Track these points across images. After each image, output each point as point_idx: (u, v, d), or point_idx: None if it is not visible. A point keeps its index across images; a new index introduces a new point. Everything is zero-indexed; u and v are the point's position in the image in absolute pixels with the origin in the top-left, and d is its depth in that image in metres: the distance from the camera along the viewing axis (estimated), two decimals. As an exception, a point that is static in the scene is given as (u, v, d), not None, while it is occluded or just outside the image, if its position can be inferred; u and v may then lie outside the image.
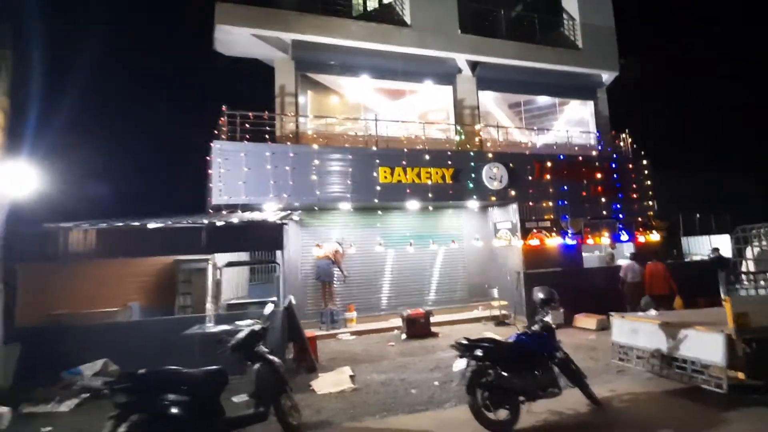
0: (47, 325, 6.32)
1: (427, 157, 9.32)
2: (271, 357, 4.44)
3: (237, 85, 10.85)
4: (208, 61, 10.89)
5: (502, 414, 4.24)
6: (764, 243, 6.72)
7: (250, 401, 4.22)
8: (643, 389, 5.19)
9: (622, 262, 10.66)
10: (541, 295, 5.31)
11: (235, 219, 7.03)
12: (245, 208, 8.40)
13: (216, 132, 8.40)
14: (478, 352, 4.37)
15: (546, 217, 10.25)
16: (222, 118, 8.39)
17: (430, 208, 10.19)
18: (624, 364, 6.02)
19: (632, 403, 4.83)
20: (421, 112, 11.90)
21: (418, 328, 8.73)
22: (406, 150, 9.26)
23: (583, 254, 10.78)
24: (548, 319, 5.07)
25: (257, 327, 4.53)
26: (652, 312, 6.58)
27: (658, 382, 5.32)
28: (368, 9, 10.76)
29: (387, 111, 11.41)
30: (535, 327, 5.02)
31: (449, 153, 9.60)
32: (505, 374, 4.27)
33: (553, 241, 10.16)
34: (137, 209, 8.39)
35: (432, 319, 9.04)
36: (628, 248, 11.30)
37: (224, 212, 7.96)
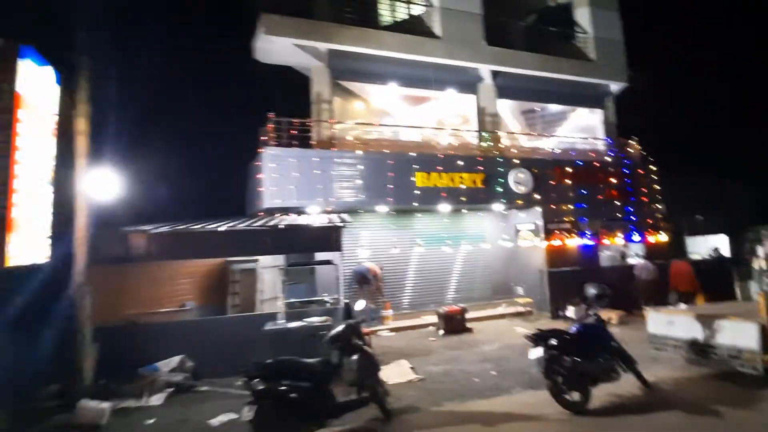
0: (122, 325, 6.59)
1: (460, 162, 9.87)
2: (367, 348, 4.89)
3: (270, 92, 11.10)
4: (242, 70, 11.11)
5: (576, 396, 4.81)
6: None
7: (351, 389, 4.67)
8: (683, 374, 5.83)
9: (633, 261, 11.44)
10: (593, 291, 5.93)
11: (292, 222, 7.41)
12: (290, 210, 8.77)
13: (263, 138, 8.75)
14: (553, 342, 4.93)
15: (566, 219, 10.93)
16: (269, 125, 8.75)
17: (464, 210, 10.75)
18: (659, 353, 6.66)
19: (677, 385, 5.45)
20: (440, 118, 12.45)
21: (455, 324, 9.26)
22: (440, 156, 9.78)
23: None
24: (598, 313, 5.67)
25: (353, 321, 4.98)
26: (682, 306, 7.25)
27: (694, 369, 5.97)
28: (398, 20, 11.23)
29: (408, 117, 11.89)
30: (590, 320, 5.61)
31: (480, 159, 10.17)
32: (579, 360, 4.83)
33: (573, 242, 10.86)
34: (187, 212, 8.68)
35: (463, 316, 9.58)
36: (637, 248, 12.08)
37: (278, 215, 8.32)
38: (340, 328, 4.91)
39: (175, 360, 6.38)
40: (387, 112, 12.18)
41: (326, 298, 7.38)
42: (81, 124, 5.84)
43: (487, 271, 11.67)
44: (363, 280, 9.60)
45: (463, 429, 4.50)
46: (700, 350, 6.04)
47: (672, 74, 15.92)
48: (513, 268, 11.67)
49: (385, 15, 11.31)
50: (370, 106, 12.05)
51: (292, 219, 8.01)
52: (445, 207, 10.03)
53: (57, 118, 5.70)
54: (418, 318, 10.30)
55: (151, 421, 5.02)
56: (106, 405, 5.10)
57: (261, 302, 8.98)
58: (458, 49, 10.98)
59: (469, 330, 9.39)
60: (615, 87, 13.44)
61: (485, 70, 11.60)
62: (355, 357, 4.75)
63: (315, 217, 8.42)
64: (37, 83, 5.26)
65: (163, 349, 6.42)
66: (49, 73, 5.63)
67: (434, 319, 9.69)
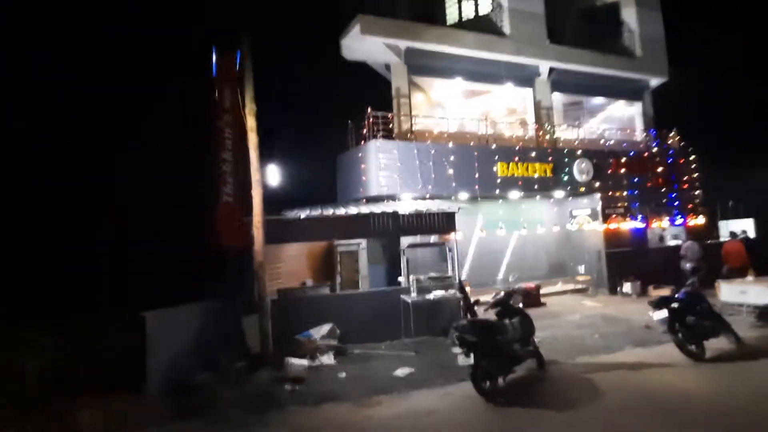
0: (277, 298, 7.48)
1: (533, 154, 10.83)
2: (525, 310, 5.90)
3: (350, 88, 11.85)
4: (327, 67, 11.78)
5: (694, 348, 5.90)
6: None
7: (517, 344, 5.68)
8: (760, 333, 6.98)
9: (674, 242, 12.65)
10: (689, 267, 7.01)
11: (413, 208, 8.29)
12: (388, 198, 9.65)
13: (363, 131, 9.57)
14: (674, 305, 6.01)
15: (620, 204, 12.02)
16: (370, 119, 9.56)
17: (538, 197, 11.75)
18: (733, 318, 7.78)
19: (761, 340, 6.60)
20: (494, 110, 13.32)
21: (532, 299, 10.34)
22: (517, 147, 10.73)
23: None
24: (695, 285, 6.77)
25: (510, 291, 5.98)
26: (750, 278, 8.39)
27: (765, 329, 7.13)
28: (466, 19, 11.99)
29: (462, 109, 12.68)
30: (688, 289, 6.70)
31: (549, 150, 11.14)
32: (696, 319, 5.92)
33: (626, 225, 11.97)
34: (292, 200, 9.50)
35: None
36: (677, 230, 13.27)
37: (386, 201, 9.21)
38: (501, 295, 5.91)
39: (325, 328, 7.31)
40: (442, 104, 13.01)
41: (448, 275, 8.33)
42: (251, 121, 6.60)
43: (544, 252, 12.76)
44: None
45: (613, 374, 5.56)
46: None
47: (705, 70, 16.94)
48: (567, 249, 12.78)
49: (454, 14, 12.06)
50: (430, 99, 12.89)
51: (408, 205, 8.85)
52: (520, 194, 11.01)
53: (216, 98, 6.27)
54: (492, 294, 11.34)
55: (343, 374, 5.98)
56: (306, 362, 6.04)
57: (360, 279, 9.95)
58: (524, 47, 11.81)
59: (543, 304, 10.49)
60: (654, 81, 14.44)
61: (544, 65, 12.47)
62: (516, 318, 5.77)
63: (417, 203, 9.31)
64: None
65: (312, 319, 7.34)
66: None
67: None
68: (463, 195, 10.51)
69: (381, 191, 9.12)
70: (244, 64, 6.24)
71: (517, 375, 5.50)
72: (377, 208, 8.19)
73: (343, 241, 9.44)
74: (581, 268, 11.94)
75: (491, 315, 5.91)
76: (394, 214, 7.88)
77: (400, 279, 8.34)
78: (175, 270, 6.67)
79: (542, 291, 11.84)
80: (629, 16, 13.87)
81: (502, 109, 14.03)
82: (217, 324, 6.62)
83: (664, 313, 6.02)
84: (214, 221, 5.15)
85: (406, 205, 8.89)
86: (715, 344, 6.26)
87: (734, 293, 7.82)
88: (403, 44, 10.91)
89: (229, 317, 6.86)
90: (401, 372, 5.96)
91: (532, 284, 10.55)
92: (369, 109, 9.69)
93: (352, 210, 7.52)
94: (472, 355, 4.88)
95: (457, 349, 5.19)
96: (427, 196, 9.60)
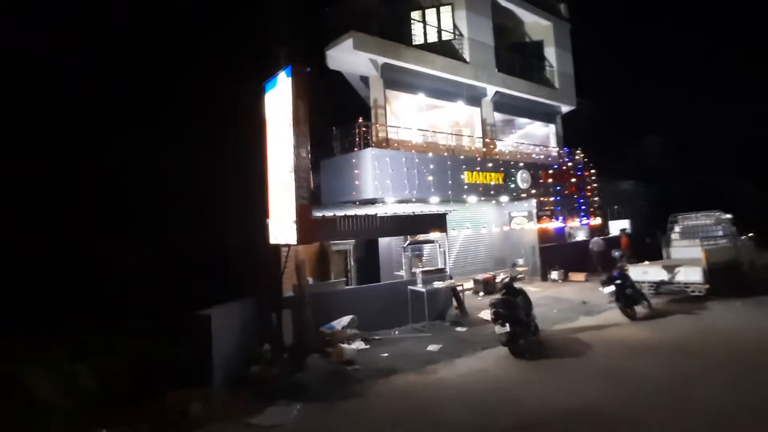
0: (301, 294, 7.92)
1: (490, 164, 12.82)
2: (524, 290, 7.50)
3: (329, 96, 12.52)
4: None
5: (630, 311, 8.21)
6: (685, 224, 12.17)
7: (525, 315, 7.23)
8: (661, 300, 9.75)
9: (581, 238, 16.00)
10: (617, 254, 9.48)
11: (407, 210, 9.43)
12: (377, 201, 10.62)
13: (353, 139, 10.42)
14: (618, 282, 8.26)
15: (548, 208, 14.80)
16: (361, 129, 10.44)
17: (494, 201, 13.75)
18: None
19: (664, 305, 9.30)
20: (442, 124, 15.18)
21: (490, 286, 12.26)
22: (478, 158, 12.59)
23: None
24: (629, 269, 9.24)
25: (511, 275, 7.55)
26: (646, 262, 11.35)
27: (665, 297, 9.96)
28: (430, 43, 13.53)
29: (417, 121, 14.26)
30: (619, 271, 9.13)
31: (501, 161, 13.27)
32: (632, 290, 8.24)
33: (552, 225, 14.81)
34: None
35: (493, 281, 12.66)
36: (582, 229, 16.74)
37: (379, 204, 10.15)
38: (507, 279, 7.45)
39: (345, 319, 8.04)
40: (399, 116, 14.42)
41: (441, 267, 9.61)
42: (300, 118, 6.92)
43: (490, 248, 14.97)
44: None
45: (586, 333, 7.48)
46: (665, 286, 10.07)
47: (601, 100, 21.38)
48: (507, 245, 15.20)
49: (419, 37, 13.51)
50: (392, 111, 14.18)
51: (398, 207, 9.92)
52: (480, 198, 12.90)
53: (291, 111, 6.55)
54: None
55: (385, 355, 6.87)
56: (354, 346, 6.76)
57: (349, 276, 10.74)
58: (480, 73, 13.82)
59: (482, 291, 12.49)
60: (565, 108, 17.88)
61: (491, 89, 14.68)
62: (519, 297, 7.36)
63: (403, 206, 10.45)
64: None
65: (332, 311, 8.00)
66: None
67: (470, 284, 12.57)
68: (435, 198, 11.99)
69: (377, 194, 10.07)
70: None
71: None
72: (377, 210, 9.14)
73: (338, 241, 10.12)
74: (520, 260, 14.36)
75: (478, 297, 7.39)
76: (397, 216, 8.94)
77: (401, 273, 9.43)
78: (213, 270, 6.76)
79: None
80: (550, 54, 16.99)
81: (449, 123, 15.96)
82: (253, 320, 6.93)
83: (612, 288, 8.24)
84: (297, 222, 5.56)
85: (395, 207, 9.98)
86: (637, 309, 8.73)
87: (638, 273, 10.59)
88: (381, 60, 11.97)
89: (262, 313, 7.19)
90: (433, 348, 7.09)
91: (489, 275, 12.50)
92: (360, 119, 10.55)
93: (371, 211, 8.36)
94: (507, 325, 6.28)
95: (496, 326, 6.51)
96: (413, 199, 10.83)
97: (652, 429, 4.06)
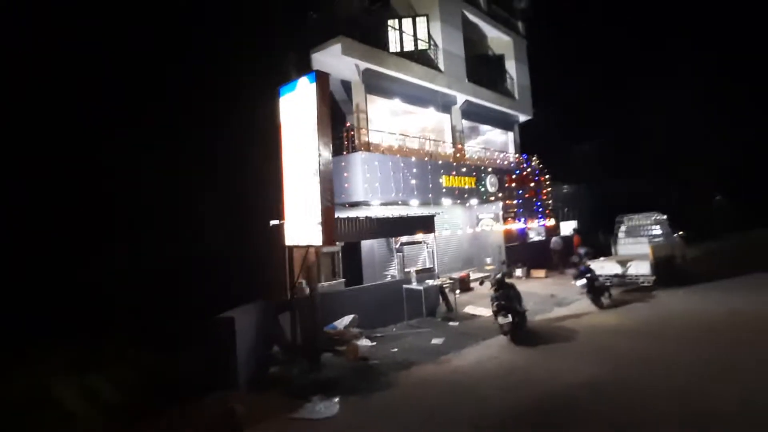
0: (313, 295, 8.00)
1: (464, 169, 13.65)
2: (514, 285, 8.24)
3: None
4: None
5: (599, 301, 9.32)
6: (629, 224, 13.87)
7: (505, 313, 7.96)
8: (617, 291, 11.09)
9: (539, 237, 17.48)
10: (583, 251, 10.65)
11: (396, 213, 9.88)
12: (360, 204, 10.92)
13: (345, 143, 10.66)
14: (588, 275, 9.34)
15: (511, 210, 16.02)
16: (350, 132, 10.70)
17: (468, 204, 14.55)
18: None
19: (620, 295, 10.62)
20: (412, 129, 15.87)
21: (464, 284, 13.07)
22: (454, 163, 13.35)
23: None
24: (592, 264, 10.43)
25: (502, 272, 8.27)
26: (602, 258, 12.79)
27: (620, 288, 11.33)
28: (407, 51, 14.09)
29: (391, 126, 14.84)
30: (584, 267, 10.29)
31: (473, 166, 14.17)
32: (600, 283, 9.36)
33: (515, 226, 16.04)
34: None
35: (467, 278, 13.50)
36: (539, 229, 18.27)
37: (363, 207, 10.45)
38: (499, 275, 8.15)
39: (347, 319, 8.27)
40: (372, 120, 14.87)
41: (430, 266, 10.14)
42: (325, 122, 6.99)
43: (460, 248, 15.85)
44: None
45: (568, 321, 8.40)
46: (619, 278, 11.47)
47: (554, 110, 23.45)
48: (475, 245, 16.19)
49: (396, 44, 14.03)
50: (368, 115, 14.57)
51: (390, 210, 10.33)
52: (456, 201, 13.66)
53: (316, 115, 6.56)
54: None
55: (395, 349, 7.22)
56: (368, 342, 7.02)
57: (337, 277, 10.93)
58: (453, 82, 14.64)
59: (471, 289, 13.35)
60: (523, 117, 19.39)
61: (462, 98, 15.59)
62: (510, 291, 8.09)
63: (387, 209, 10.88)
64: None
65: (332, 311, 8.19)
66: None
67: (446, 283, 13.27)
68: (416, 201, 12.56)
69: (366, 197, 10.38)
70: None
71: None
72: (372, 213, 9.49)
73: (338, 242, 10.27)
74: (488, 259, 15.41)
75: (456, 295, 8.06)
76: (393, 218, 9.35)
77: (394, 273, 9.82)
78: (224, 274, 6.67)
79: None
80: (511, 67, 18.36)
81: (418, 128, 16.66)
82: (262, 322, 6.96)
83: (584, 281, 9.30)
84: (323, 224, 5.69)
85: (382, 209, 10.40)
86: (602, 299, 9.91)
87: (597, 268, 11.95)
88: (364, 65, 12.31)
89: (269, 315, 7.23)
90: (437, 341, 7.57)
91: (463, 273, 13.30)
92: (348, 123, 10.80)
93: (367, 214, 8.67)
94: (509, 316, 6.94)
95: (498, 317, 7.15)
96: (399, 202, 11.28)
97: (648, 391, 4.86)
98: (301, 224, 6.36)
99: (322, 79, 6.02)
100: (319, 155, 5.94)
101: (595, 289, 9.38)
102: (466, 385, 5.41)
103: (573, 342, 6.95)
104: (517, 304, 7.52)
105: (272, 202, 8.17)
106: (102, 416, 4.34)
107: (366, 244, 11.38)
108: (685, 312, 8.49)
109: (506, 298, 7.27)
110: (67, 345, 5.07)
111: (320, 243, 5.92)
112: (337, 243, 10.66)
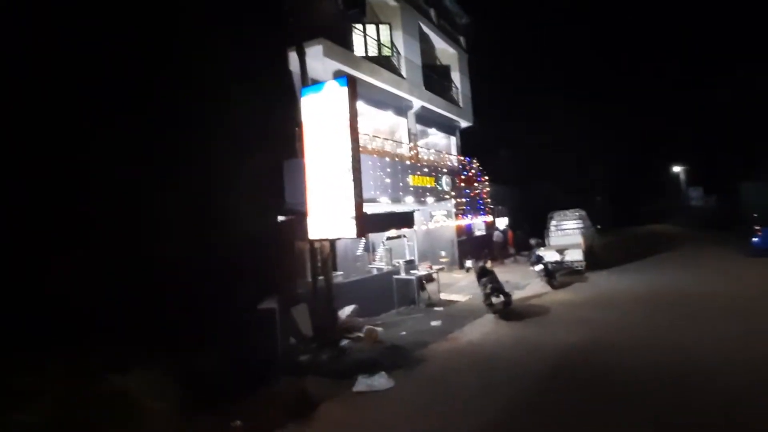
0: (329, 285, 8.23)
1: (426, 169, 14.77)
2: (494, 272, 9.47)
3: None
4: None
5: (552, 282, 11.08)
6: (559, 218, 16.35)
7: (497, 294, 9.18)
8: (559, 275, 13.14)
9: (482, 232, 19.50)
10: (534, 242, 12.48)
11: (386, 209, 10.55)
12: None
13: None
14: (544, 261, 11.05)
15: (461, 208, 17.65)
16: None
17: (427, 202, 15.62)
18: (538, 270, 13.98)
19: (563, 277, 12.62)
20: (370, 130, 16.69)
21: (428, 276, 14.19)
22: (418, 164, 14.38)
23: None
24: (539, 252, 12.28)
25: (482, 261, 9.47)
26: (542, 248, 14.88)
27: (559, 273, 13.39)
28: (371, 56, 14.77)
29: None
30: (536, 256, 12.10)
31: (431, 167, 15.37)
32: (552, 267, 11.14)
33: (464, 222, 17.72)
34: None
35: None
36: (481, 224, 20.33)
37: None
38: (480, 263, 9.33)
39: (349, 308, 8.72)
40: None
41: (410, 259, 10.95)
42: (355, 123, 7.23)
43: (416, 243, 16.99)
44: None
45: (533, 300, 9.90)
46: (558, 264, 13.58)
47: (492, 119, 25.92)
48: (429, 240, 17.49)
49: (360, 49, 14.63)
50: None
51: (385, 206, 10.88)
52: (420, 199, 14.71)
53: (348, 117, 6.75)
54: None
55: (403, 333, 7.91)
56: (381, 329, 7.57)
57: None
58: (413, 88, 15.69)
59: (434, 279, 14.54)
60: (464, 124, 21.31)
61: (418, 103, 16.74)
62: (493, 275, 9.31)
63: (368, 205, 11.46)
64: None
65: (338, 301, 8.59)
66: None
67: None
68: (386, 199, 13.32)
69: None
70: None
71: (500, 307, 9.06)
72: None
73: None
74: (443, 252, 16.82)
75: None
76: (381, 214, 10.01)
77: (382, 265, 10.47)
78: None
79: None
80: (455, 77, 20.07)
81: (373, 130, 17.46)
82: (281, 314, 7.15)
83: (541, 266, 10.99)
84: (356, 218, 6.08)
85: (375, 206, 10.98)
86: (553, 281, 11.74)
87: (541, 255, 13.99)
88: (340, 67, 12.70)
89: (283, 307, 7.42)
90: (436, 323, 8.44)
91: (427, 265, 14.41)
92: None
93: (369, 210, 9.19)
94: (501, 296, 8.08)
95: (492, 297, 8.25)
96: (377, 199, 11.92)
97: (625, 343, 6.32)
98: (328, 218, 6.73)
99: (352, 84, 6.47)
100: (351, 153, 6.39)
101: (549, 272, 11.14)
102: (489, 354, 6.37)
103: (551, 315, 8.38)
104: (503, 287, 8.75)
105: (274, 198, 8.32)
106: (185, 405, 4.35)
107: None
108: (616, 289, 10.60)
109: (496, 281, 8.44)
110: (106, 344, 4.85)
111: (354, 235, 6.38)
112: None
